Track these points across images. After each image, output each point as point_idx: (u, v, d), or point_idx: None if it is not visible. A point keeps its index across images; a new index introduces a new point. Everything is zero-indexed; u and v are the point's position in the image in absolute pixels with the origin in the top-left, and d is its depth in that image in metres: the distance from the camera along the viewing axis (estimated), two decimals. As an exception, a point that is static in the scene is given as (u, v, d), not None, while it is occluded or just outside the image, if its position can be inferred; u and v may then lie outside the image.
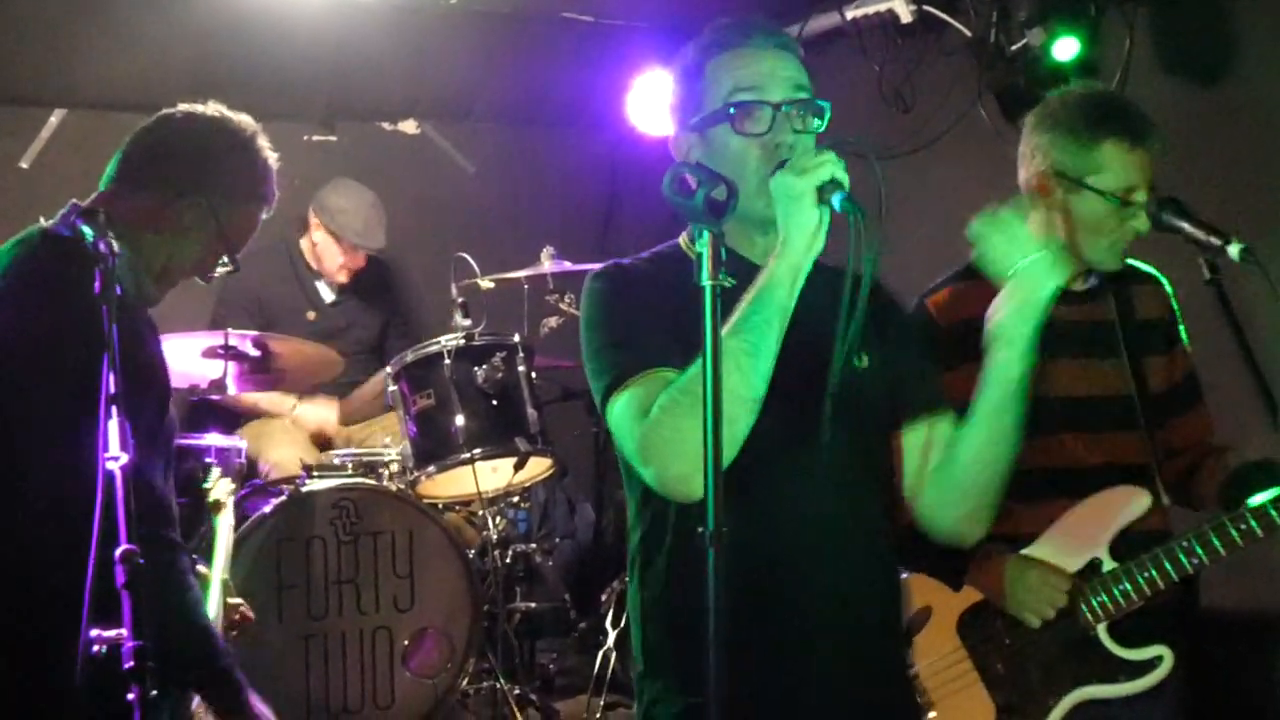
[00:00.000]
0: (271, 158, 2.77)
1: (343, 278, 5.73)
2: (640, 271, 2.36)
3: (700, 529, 1.82)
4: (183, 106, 2.73)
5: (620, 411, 2.20)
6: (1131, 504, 2.84)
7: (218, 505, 3.75)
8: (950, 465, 2.36)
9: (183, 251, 2.66)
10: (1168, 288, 3.05)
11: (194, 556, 2.86)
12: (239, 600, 3.16)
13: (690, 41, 2.35)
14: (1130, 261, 3.02)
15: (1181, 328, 3.05)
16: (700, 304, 2.15)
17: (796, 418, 2.17)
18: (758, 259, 2.28)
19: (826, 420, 2.18)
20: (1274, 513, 2.67)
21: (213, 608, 3.04)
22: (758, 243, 2.31)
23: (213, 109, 2.74)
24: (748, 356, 2.09)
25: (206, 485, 3.84)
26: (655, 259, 2.39)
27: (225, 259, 2.72)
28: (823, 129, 2.28)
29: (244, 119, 2.76)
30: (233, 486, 3.88)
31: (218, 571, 3.23)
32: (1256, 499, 2.71)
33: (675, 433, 2.08)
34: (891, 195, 2.07)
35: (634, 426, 2.17)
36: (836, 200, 2.06)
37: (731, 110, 2.23)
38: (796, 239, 2.11)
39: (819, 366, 2.17)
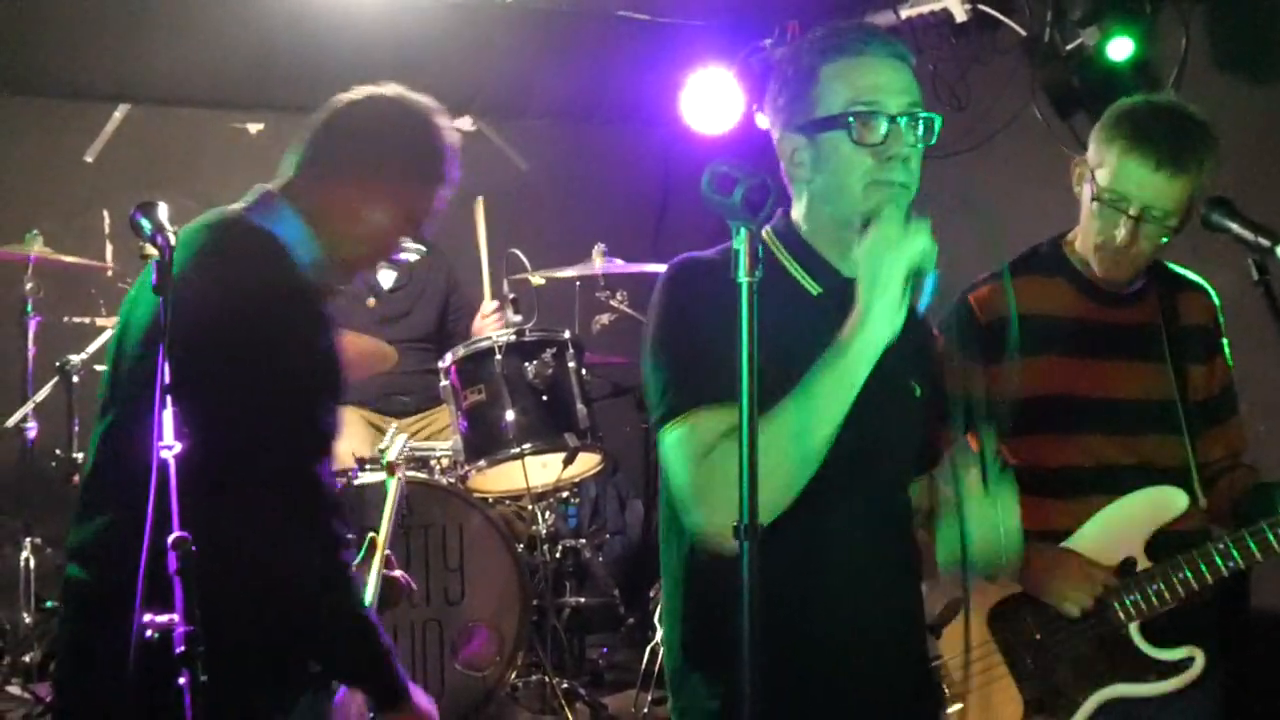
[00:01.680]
0: (453, 137, 2.74)
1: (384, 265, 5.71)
2: (723, 275, 2.10)
3: (734, 523, 1.83)
4: (362, 91, 2.71)
5: (676, 443, 2.16)
6: (1169, 505, 2.83)
7: (391, 468, 3.75)
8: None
9: (376, 238, 2.66)
10: (1214, 298, 3.04)
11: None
12: (399, 573, 3.09)
13: (799, 41, 2.33)
14: (1178, 268, 3.02)
15: (1225, 340, 3.03)
16: (789, 311, 2.18)
17: (860, 448, 2.15)
18: (846, 269, 2.28)
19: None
20: None
21: (374, 579, 2.98)
22: (854, 248, 2.26)
23: (391, 91, 2.71)
24: (815, 427, 2.07)
25: (382, 446, 3.83)
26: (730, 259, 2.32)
27: (413, 240, 2.71)
28: (934, 142, 2.26)
29: (423, 100, 2.72)
30: (404, 445, 3.84)
31: (383, 540, 3.14)
32: None
33: (728, 487, 1.97)
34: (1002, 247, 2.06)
35: (689, 465, 2.12)
36: (925, 296, 2.10)
37: (850, 119, 2.21)
38: (880, 316, 2.09)
39: (886, 401, 2.18)
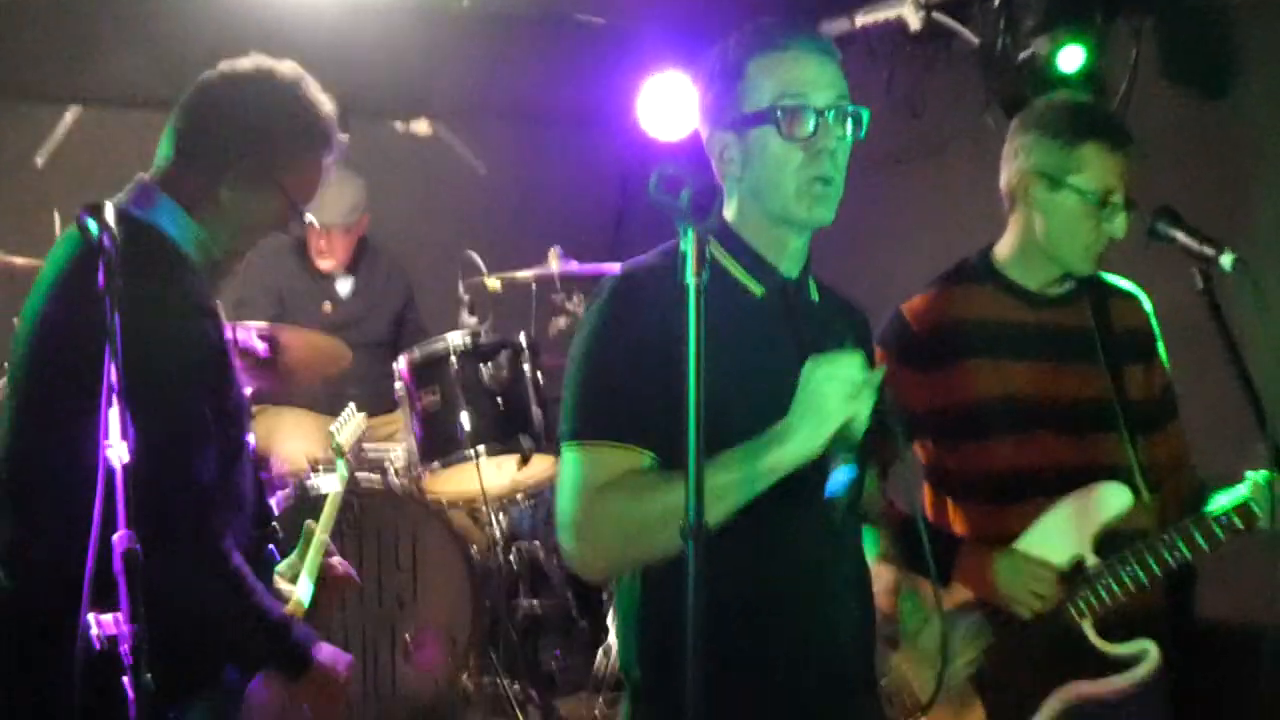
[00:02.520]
0: (323, 100, 2.67)
1: (325, 263, 5.65)
2: (666, 280, 2.09)
3: (679, 524, 1.83)
4: (221, 66, 2.65)
5: (571, 467, 2.18)
6: (1114, 501, 2.86)
7: (340, 450, 3.72)
8: None
9: (247, 216, 2.61)
10: (1146, 305, 3.09)
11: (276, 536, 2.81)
12: (337, 560, 3.02)
13: (727, 39, 2.33)
14: (1109, 277, 3.08)
15: (1160, 345, 3.08)
16: (733, 314, 2.20)
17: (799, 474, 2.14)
18: (784, 268, 2.31)
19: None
20: (1254, 505, 2.74)
21: (309, 565, 2.93)
22: (790, 244, 2.31)
23: (250, 63, 2.65)
24: (719, 502, 2.03)
25: (334, 428, 3.77)
26: (675, 263, 2.16)
27: (298, 215, 2.66)
28: (862, 136, 2.28)
29: (285, 66, 2.67)
30: (364, 427, 3.78)
31: (323, 527, 3.04)
32: (1236, 492, 2.78)
33: (615, 539, 2.14)
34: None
35: (579, 495, 2.15)
36: (840, 474, 2.11)
37: (778, 114, 2.22)
38: (804, 443, 2.07)
39: None
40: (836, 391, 2.05)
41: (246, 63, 2.65)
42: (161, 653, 1.99)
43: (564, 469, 2.21)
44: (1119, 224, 2.88)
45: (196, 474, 2.41)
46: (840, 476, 2.10)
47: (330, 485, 3.53)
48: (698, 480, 1.79)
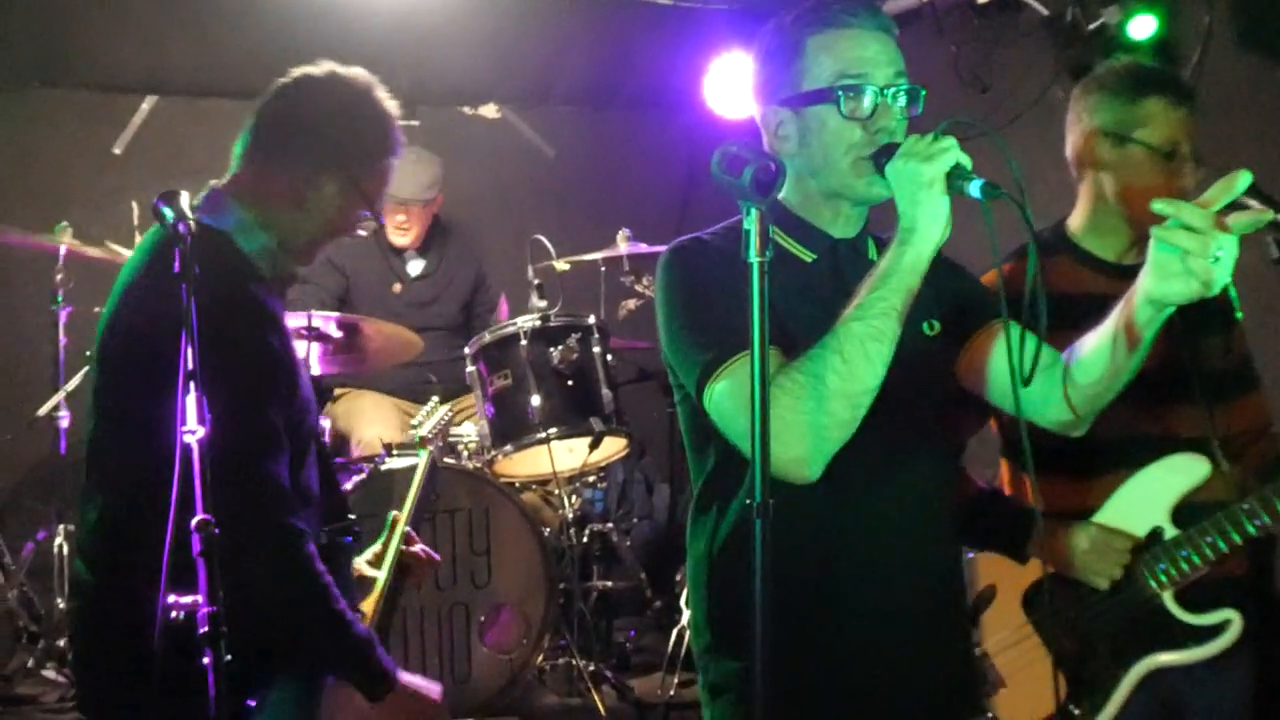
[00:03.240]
0: (391, 106, 2.72)
1: (399, 238, 5.70)
2: (718, 248, 2.29)
3: (748, 500, 1.85)
4: (295, 73, 2.70)
5: (725, 395, 2.15)
6: (1191, 470, 2.82)
7: (424, 442, 3.75)
8: (1072, 370, 2.30)
9: (330, 220, 2.66)
10: None
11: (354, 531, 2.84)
12: (419, 548, 3.05)
13: (785, 15, 2.32)
14: None
15: (1238, 315, 3.03)
16: (786, 281, 2.16)
17: (882, 398, 2.14)
18: (838, 232, 2.32)
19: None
20: None
21: (390, 557, 2.98)
22: (844, 216, 2.32)
23: (324, 69, 2.70)
24: (874, 342, 2.08)
25: (415, 421, 3.82)
26: (730, 234, 2.29)
27: (368, 215, 2.70)
28: (920, 113, 2.27)
29: (358, 74, 2.71)
30: (444, 420, 3.83)
31: (406, 515, 3.08)
32: None
33: (793, 414, 2.06)
34: (1023, 175, 2.05)
35: (746, 410, 2.03)
36: (975, 188, 2.04)
37: (838, 93, 2.21)
38: (927, 227, 2.09)
39: (899, 348, 2.15)
40: (917, 165, 2.08)
41: (320, 69, 2.70)
42: (240, 643, 2.02)
43: (719, 406, 2.16)
44: (1187, 177, 2.84)
45: (274, 477, 2.43)
46: (974, 185, 2.05)
47: (410, 473, 3.56)
48: (763, 460, 1.80)
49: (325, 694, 2.59)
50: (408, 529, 3.06)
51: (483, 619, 4.56)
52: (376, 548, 3.00)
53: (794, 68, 2.28)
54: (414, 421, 3.75)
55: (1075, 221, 3.00)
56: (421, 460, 3.65)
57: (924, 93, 2.27)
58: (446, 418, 3.81)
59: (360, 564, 2.92)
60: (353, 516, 2.76)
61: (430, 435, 3.76)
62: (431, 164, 5.65)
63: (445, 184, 5.75)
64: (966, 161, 2.08)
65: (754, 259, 1.89)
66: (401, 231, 5.68)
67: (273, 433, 2.44)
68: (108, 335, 2.55)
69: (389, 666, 2.57)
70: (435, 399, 4.13)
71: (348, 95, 2.67)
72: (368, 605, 2.91)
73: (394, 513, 3.08)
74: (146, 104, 6.11)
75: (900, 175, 2.11)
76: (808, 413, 2.05)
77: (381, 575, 2.91)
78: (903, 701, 2.29)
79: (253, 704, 2.39)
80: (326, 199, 2.63)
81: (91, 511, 2.52)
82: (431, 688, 2.67)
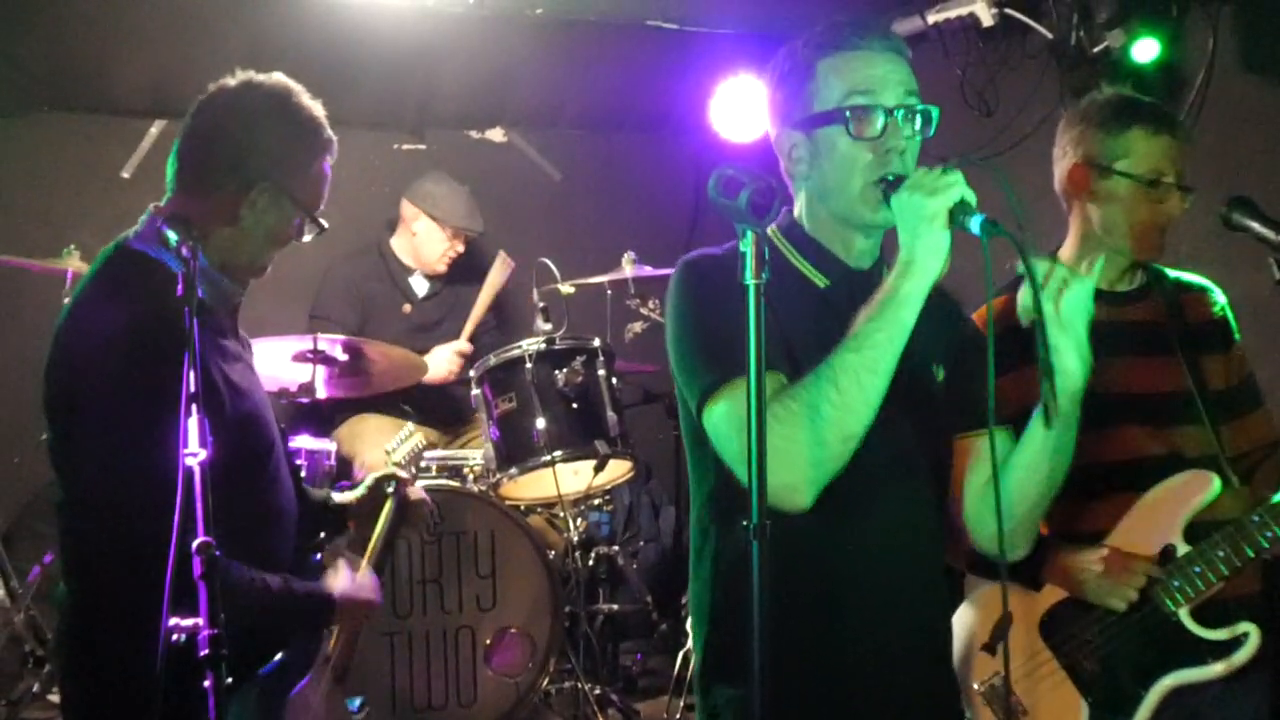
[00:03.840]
0: (316, 107, 2.67)
1: (443, 266, 5.84)
2: (730, 267, 2.21)
3: (745, 523, 1.85)
4: (210, 88, 2.64)
5: (723, 416, 2.17)
6: (1201, 486, 2.83)
7: (396, 466, 3.76)
8: (1004, 476, 2.32)
9: (267, 232, 2.63)
10: (1219, 296, 3.08)
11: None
12: (418, 491, 3.12)
13: (797, 39, 2.33)
14: (1178, 274, 3.06)
15: (1236, 334, 3.05)
16: (797, 305, 2.21)
17: (885, 426, 2.15)
18: (853, 262, 2.32)
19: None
20: None
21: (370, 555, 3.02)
22: (857, 246, 2.33)
23: (239, 79, 2.64)
24: (869, 374, 2.09)
25: (389, 448, 3.84)
26: (742, 260, 2.25)
27: (311, 223, 2.67)
28: (931, 134, 2.28)
29: (275, 79, 2.66)
30: (417, 448, 3.79)
31: (375, 539, 3.11)
32: None
33: (787, 442, 2.06)
34: (1028, 203, 2.07)
35: (741, 433, 2.06)
36: (975, 224, 2.05)
37: (847, 114, 2.22)
38: (925, 260, 2.10)
39: (909, 379, 2.18)
40: (923, 198, 2.09)
41: (236, 79, 2.65)
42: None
43: (717, 427, 2.18)
44: (1173, 204, 2.89)
45: (154, 538, 2.26)
46: (975, 222, 2.06)
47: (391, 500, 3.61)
48: (760, 482, 1.80)
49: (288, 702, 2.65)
50: (406, 475, 3.12)
51: (488, 642, 4.56)
52: (361, 491, 3.03)
53: (805, 90, 2.29)
54: (388, 447, 3.78)
55: (1066, 252, 3.04)
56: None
57: (937, 113, 2.27)
58: (420, 445, 3.83)
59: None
60: (322, 535, 2.79)
61: (403, 462, 3.77)
62: (468, 193, 5.86)
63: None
64: (971, 197, 2.09)
65: (750, 281, 1.90)
66: (449, 259, 5.78)
67: (162, 480, 2.23)
68: (69, 358, 2.52)
69: (325, 596, 2.65)
70: (410, 425, 4.13)
71: (265, 103, 2.62)
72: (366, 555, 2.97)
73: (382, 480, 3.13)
74: (155, 128, 6.13)
75: (904, 207, 2.12)
76: (801, 442, 2.07)
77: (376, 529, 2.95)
78: None
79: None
80: (260, 213, 2.60)
81: (68, 536, 2.55)
82: (364, 584, 2.78)
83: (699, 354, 2.24)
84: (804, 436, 2.06)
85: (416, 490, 3.09)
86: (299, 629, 2.66)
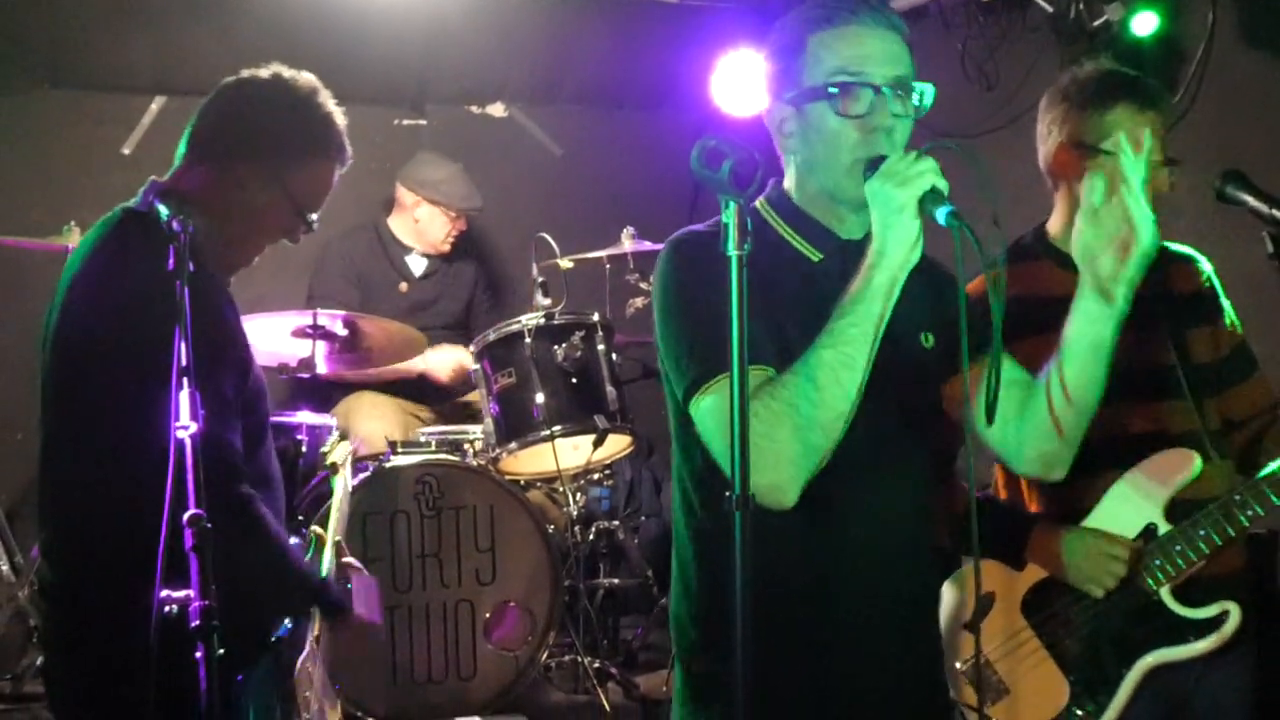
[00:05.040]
0: (335, 112, 2.75)
1: (447, 247, 5.88)
2: (719, 248, 2.17)
3: (726, 493, 1.85)
4: (241, 74, 2.74)
5: (709, 411, 2.16)
6: (1182, 465, 2.83)
7: (335, 467, 3.80)
8: (1036, 407, 2.33)
9: (252, 215, 2.68)
10: (1205, 266, 3.05)
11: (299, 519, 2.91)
12: (351, 560, 3.11)
13: (792, 11, 2.31)
14: (1165, 246, 3.02)
15: (1226, 303, 3.03)
16: (788, 281, 2.21)
17: (871, 408, 2.15)
18: (844, 233, 2.31)
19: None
20: None
21: (326, 568, 3.02)
22: (848, 220, 2.31)
23: (268, 72, 2.74)
24: (845, 369, 2.08)
25: (325, 449, 3.90)
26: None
27: (304, 221, 2.72)
28: (925, 111, 2.26)
29: (302, 77, 2.75)
30: (351, 449, 3.89)
31: (332, 533, 3.17)
32: None
33: (770, 441, 2.06)
34: (1000, 199, 2.04)
35: (727, 431, 2.05)
36: (942, 215, 2.04)
37: (833, 90, 2.20)
38: (895, 252, 2.09)
39: (894, 355, 2.18)
40: (894, 187, 2.07)
41: (265, 71, 2.74)
42: (224, 624, 2.04)
43: (702, 421, 2.19)
44: (1161, 180, 2.85)
45: (230, 447, 2.47)
46: (941, 213, 2.05)
47: (337, 494, 3.66)
48: (743, 448, 1.80)
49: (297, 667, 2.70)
50: (339, 540, 3.13)
51: (488, 616, 4.57)
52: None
53: (795, 64, 2.27)
54: (324, 449, 3.82)
55: (1054, 226, 3.01)
56: (336, 485, 3.70)
57: (932, 91, 2.25)
58: (351, 447, 3.86)
59: None
60: (300, 518, 2.81)
61: (340, 462, 3.81)
62: (462, 170, 5.87)
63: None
64: (943, 185, 2.08)
65: (733, 252, 1.90)
66: (453, 241, 5.81)
67: (226, 403, 2.47)
68: (59, 325, 2.56)
69: (342, 601, 2.74)
70: (336, 434, 4.17)
71: (284, 93, 2.71)
72: None
73: (315, 528, 3.16)
74: (156, 104, 6.13)
75: (875, 196, 2.11)
76: (782, 440, 2.07)
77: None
78: (880, 711, 2.31)
79: (240, 679, 2.45)
80: (251, 192, 2.66)
81: (47, 513, 2.59)
82: (373, 617, 2.83)
83: (685, 344, 2.24)
84: (784, 435, 2.06)
85: (349, 558, 3.12)
86: (294, 607, 2.68)
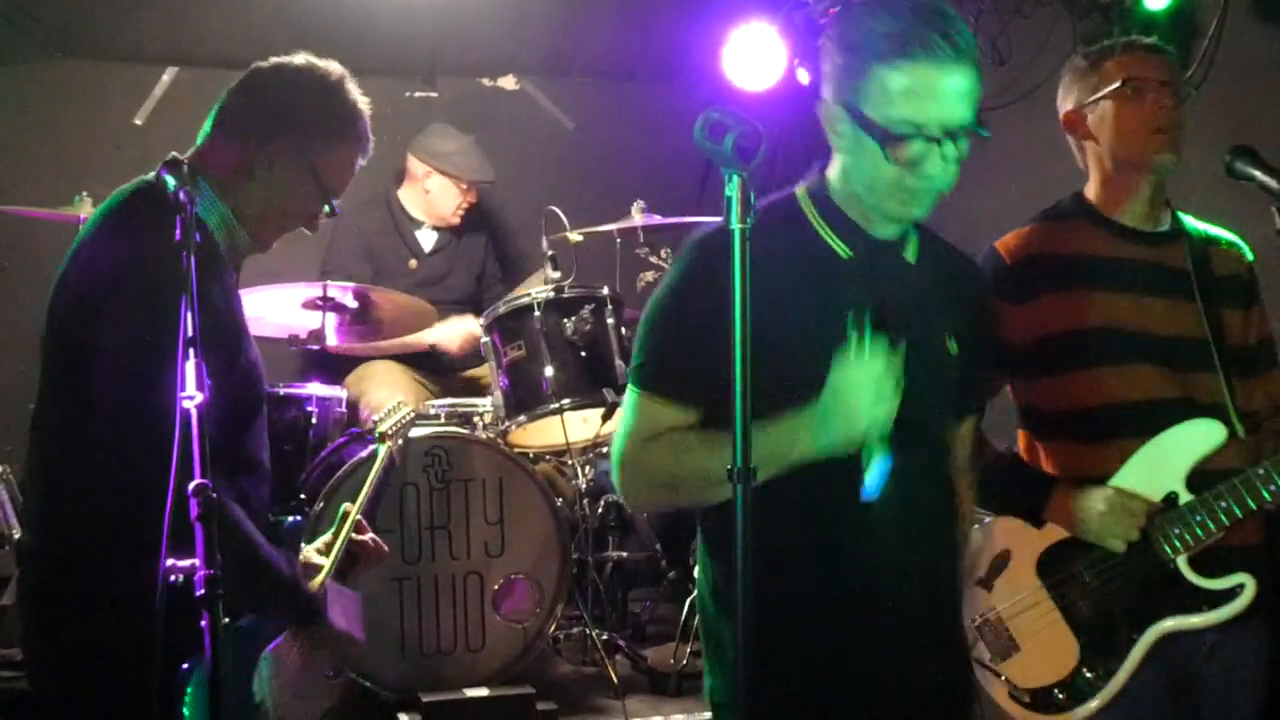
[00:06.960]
0: (362, 101, 2.80)
1: (456, 219, 5.89)
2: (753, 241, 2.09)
3: (729, 468, 1.86)
4: (273, 59, 2.78)
5: (629, 409, 2.32)
6: (1208, 435, 2.83)
7: (383, 437, 3.85)
8: None
9: (278, 195, 2.70)
10: (1248, 255, 3.07)
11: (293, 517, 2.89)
12: (369, 537, 3.09)
13: (863, 10, 2.25)
14: (1208, 227, 3.06)
15: (1260, 294, 3.05)
16: (820, 283, 2.25)
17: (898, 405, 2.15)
18: (877, 234, 2.33)
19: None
20: None
21: (337, 547, 3.00)
22: (880, 223, 2.33)
23: (301, 58, 2.79)
24: (722, 486, 2.01)
25: (378, 417, 3.93)
26: (766, 219, 2.09)
27: (326, 205, 2.75)
28: (987, 135, 2.23)
29: (332, 65, 2.80)
30: (409, 417, 3.91)
31: (358, 507, 3.13)
32: None
33: (654, 488, 2.32)
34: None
35: (627, 439, 2.30)
36: (875, 476, 2.11)
37: (888, 136, 2.18)
38: (833, 443, 2.11)
39: (920, 359, 2.21)
40: (863, 394, 2.07)
41: (297, 58, 2.78)
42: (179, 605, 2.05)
43: (625, 405, 2.33)
44: (1151, 99, 2.91)
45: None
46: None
47: (371, 464, 3.63)
48: (744, 426, 1.81)
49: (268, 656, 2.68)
50: (359, 518, 3.10)
51: (497, 588, 4.58)
52: (327, 537, 3.03)
53: (856, 81, 2.23)
54: (376, 417, 3.80)
55: (1090, 190, 3.07)
56: (379, 454, 3.69)
57: (986, 132, 2.23)
58: (409, 418, 3.84)
59: (309, 552, 2.95)
60: (303, 496, 2.80)
61: (390, 431, 3.80)
62: (474, 143, 5.86)
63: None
64: (886, 432, 2.10)
65: (735, 225, 1.90)
66: (462, 213, 5.83)
67: (168, 420, 2.32)
68: (57, 292, 2.59)
69: (314, 606, 2.72)
70: (400, 399, 4.17)
71: (314, 79, 2.76)
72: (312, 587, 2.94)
73: (346, 504, 3.13)
74: (167, 75, 6.13)
75: (840, 384, 2.09)
76: (667, 499, 2.43)
77: (326, 563, 2.92)
78: (900, 694, 2.33)
79: (186, 668, 2.42)
80: (276, 171, 2.68)
81: (36, 483, 2.59)
82: (353, 629, 2.81)
83: (653, 348, 2.33)
84: (675, 499, 2.40)
85: (370, 539, 3.10)
86: (275, 608, 2.67)
